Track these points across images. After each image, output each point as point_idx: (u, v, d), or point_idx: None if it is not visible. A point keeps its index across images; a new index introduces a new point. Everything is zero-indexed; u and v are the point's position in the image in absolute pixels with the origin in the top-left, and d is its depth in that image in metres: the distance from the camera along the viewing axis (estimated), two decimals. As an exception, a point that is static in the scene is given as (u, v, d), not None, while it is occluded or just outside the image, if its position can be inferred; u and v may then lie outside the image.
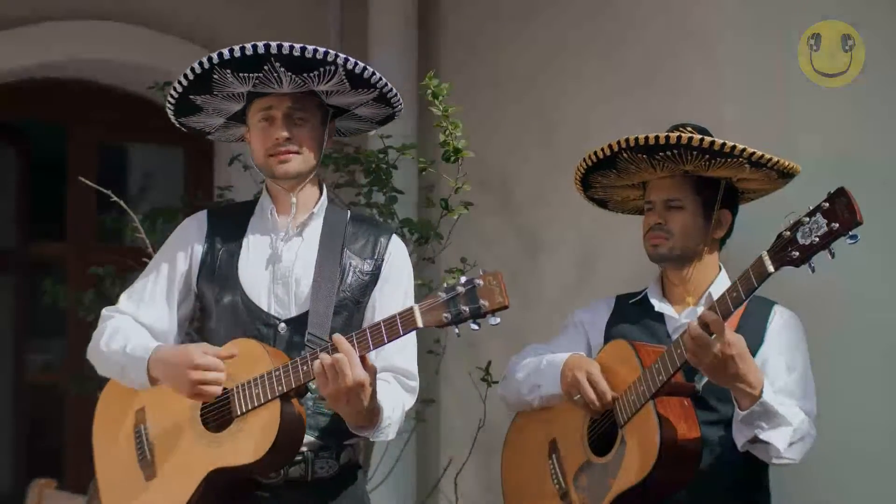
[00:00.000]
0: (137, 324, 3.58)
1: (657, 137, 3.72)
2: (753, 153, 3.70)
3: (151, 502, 3.49)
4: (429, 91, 4.56)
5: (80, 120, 6.36)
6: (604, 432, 3.74)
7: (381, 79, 3.59)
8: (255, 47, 3.41)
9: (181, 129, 3.81)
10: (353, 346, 3.28)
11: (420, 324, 3.23)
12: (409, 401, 3.59)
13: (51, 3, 5.84)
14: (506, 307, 3.20)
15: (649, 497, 3.60)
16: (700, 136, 3.69)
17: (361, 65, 3.52)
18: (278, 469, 3.47)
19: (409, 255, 5.03)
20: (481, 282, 3.19)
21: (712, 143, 3.68)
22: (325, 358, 3.27)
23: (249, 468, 3.40)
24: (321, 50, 3.44)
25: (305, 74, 3.49)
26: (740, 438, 3.58)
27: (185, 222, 3.69)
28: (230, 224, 3.64)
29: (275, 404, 3.36)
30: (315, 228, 3.61)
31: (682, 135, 3.70)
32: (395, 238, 3.67)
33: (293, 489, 3.50)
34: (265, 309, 3.53)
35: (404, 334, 3.27)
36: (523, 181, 5.39)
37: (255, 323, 3.52)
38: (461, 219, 4.81)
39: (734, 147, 3.68)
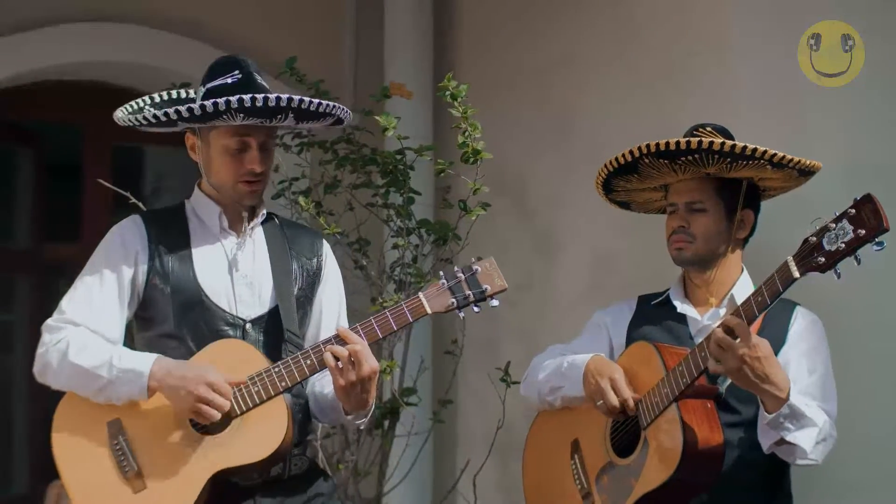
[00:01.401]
0: (95, 335, 3.50)
1: (678, 143, 3.71)
2: (775, 155, 3.69)
3: None
4: (447, 92, 4.56)
5: (96, 121, 6.34)
6: (626, 434, 3.74)
7: (350, 117, 3.69)
8: (278, 99, 3.41)
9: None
10: (360, 336, 3.42)
11: (429, 310, 3.46)
12: None
13: (66, 5, 5.84)
14: (505, 289, 3.50)
15: (672, 499, 3.60)
16: (721, 141, 3.68)
17: (350, 113, 3.66)
18: (275, 466, 3.49)
19: (426, 256, 5.11)
20: (479, 268, 3.49)
21: (733, 146, 3.67)
22: (340, 350, 3.38)
23: (256, 466, 3.41)
24: (332, 104, 3.55)
25: (304, 121, 3.58)
26: (766, 441, 3.57)
27: (121, 226, 3.62)
28: (169, 228, 3.61)
29: (280, 400, 3.42)
30: (259, 232, 3.66)
31: (703, 139, 3.69)
32: (325, 240, 3.80)
33: (271, 488, 3.53)
34: (227, 310, 3.54)
35: (413, 321, 3.48)
36: (539, 182, 5.38)
37: (219, 324, 3.53)
38: (477, 220, 4.82)
39: (755, 150, 3.67)
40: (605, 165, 3.94)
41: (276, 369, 3.40)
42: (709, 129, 3.84)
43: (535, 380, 3.97)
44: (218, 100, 3.40)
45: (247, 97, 3.39)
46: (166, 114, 3.48)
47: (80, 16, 5.85)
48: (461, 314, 3.49)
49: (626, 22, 4.93)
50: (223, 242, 3.61)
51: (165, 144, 7.07)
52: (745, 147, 3.67)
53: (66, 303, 3.57)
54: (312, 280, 3.68)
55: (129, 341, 3.64)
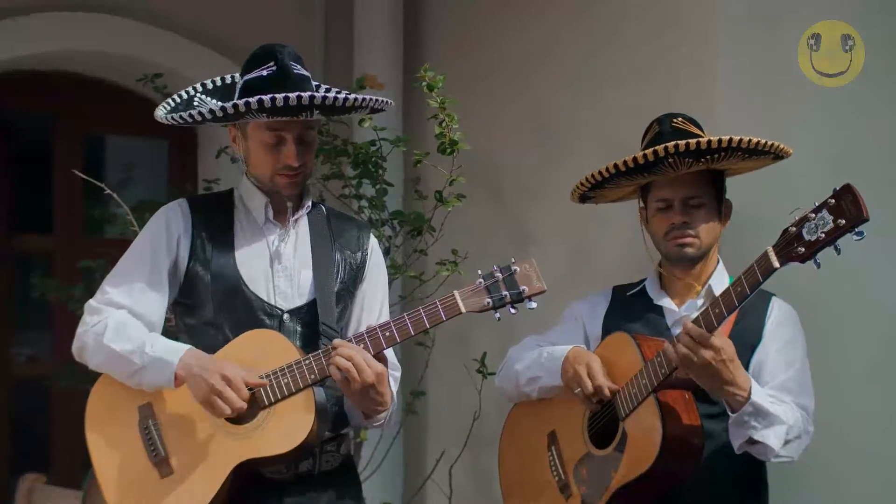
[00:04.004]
0: (135, 318, 3.51)
1: (654, 153, 3.70)
2: (780, 146, 3.75)
3: (171, 500, 3.40)
4: (424, 83, 4.55)
5: (67, 112, 6.33)
6: (604, 425, 3.74)
7: (391, 106, 3.66)
8: (299, 98, 3.37)
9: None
10: (392, 333, 3.37)
11: (463, 309, 3.37)
12: (396, 388, 3.68)
13: (39, -6, 5.82)
14: (544, 291, 3.40)
15: (650, 489, 3.60)
16: (696, 140, 3.68)
17: (386, 101, 3.60)
18: (302, 459, 3.48)
19: (399, 248, 5.10)
20: (518, 268, 3.38)
21: (708, 145, 3.67)
22: (341, 362, 3.33)
23: (280, 458, 3.39)
24: (359, 98, 3.49)
25: (335, 115, 3.57)
26: (736, 441, 3.58)
27: (166, 210, 3.62)
28: (214, 215, 3.61)
29: (308, 393, 3.38)
30: (303, 222, 3.63)
31: (680, 143, 3.67)
32: (372, 233, 3.76)
33: (301, 484, 3.52)
34: (266, 299, 3.53)
35: (447, 319, 3.38)
36: (514, 173, 5.38)
37: (257, 313, 3.52)
38: (451, 212, 4.81)
39: (769, 144, 3.72)
40: (581, 184, 3.93)
41: (307, 361, 3.38)
42: (680, 118, 3.84)
43: (513, 371, 3.97)
44: (238, 101, 3.39)
45: (266, 98, 3.35)
46: (191, 115, 3.48)
47: (53, 5, 5.82)
48: (497, 315, 3.38)
49: (604, 13, 4.93)
50: (266, 232, 3.59)
51: (137, 135, 7.09)
52: (736, 140, 3.67)
53: (108, 284, 3.56)
54: (355, 274, 3.65)
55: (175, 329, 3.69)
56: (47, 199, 6.41)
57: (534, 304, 3.39)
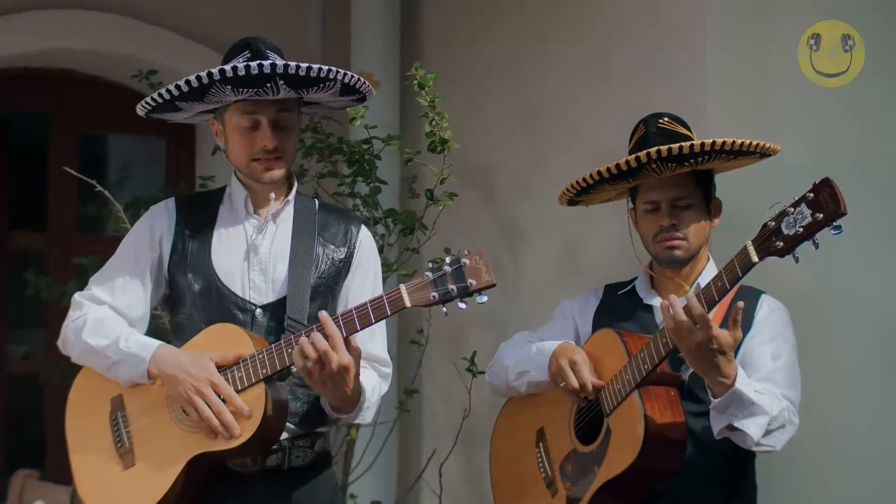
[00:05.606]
0: (116, 314, 3.56)
1: (636, 159, 3.69)
2: (766, 145, 3.73)
3: (131, 491, 3.42)
4: (415, 81, 4.56)
5: (62, 110, 6.35)
6: (591, 421, 3.74)
7: (368, 87, 3.62)
8: (260, 66, 3.35)
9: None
10: (339, 327, 3.31)
11: (408, 303, 3.29)
12: (384, 387, 3.67)
13: (33, -8, 5.84)
14: (493, 285, 3.27)
15: (635, 486, 3.60)
16: (678, 145, 3.67)
17: (356, 77, 3.55)
18: (260, 454, 3.47)
19: (392, 246, 5.11)
20: (467, 261, 3.28)
21: (690, 150, 3.67)
22: (308, 350, 3.29)
23: (232, 453, 3.39)
24: (325, 68, 3.45)
25: (303, 89, 3.50)
26: (716, 426, 3.55)
27: (154, 209, 3.66)
28: (199, 212, 3.63)
29: (259, 387, 3.37)
30: (287, 216, 3.63)
31: (662, 148, 3.65)
32: (364, 227, 3.72)
33: (269, 478, 3.51)
34: (240, 294, 3.53)
35: (392, 314, 3.31)
36: (506, 172, 5.39)
37: (230, 309, 3.52)
38: (443, 210, 4.82)
39: (753, 144, 3.70)
40: (566, 190, 3.93)
41: (261, 356, 3.37)
42: (666, 118, 3.83)
43: (503, 365, 3.97)
44: (201, 73, 3.40)
45: (228, 67, 3.36)
46: (160, 94, 3.49)
47: (49, 3, 5.83)
48: (444, 309, 3.29)
49: (594, 12, 4.94)
50: (246, 227, 3.59)
51: (132, 133, 7.10)
52: (707, 143, 3.65)
53: (93, 280, 3.64)
54: (338, 269, 3.61)
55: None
56: (42, 196, 6.42)
57: (484, 299, 3.28)
